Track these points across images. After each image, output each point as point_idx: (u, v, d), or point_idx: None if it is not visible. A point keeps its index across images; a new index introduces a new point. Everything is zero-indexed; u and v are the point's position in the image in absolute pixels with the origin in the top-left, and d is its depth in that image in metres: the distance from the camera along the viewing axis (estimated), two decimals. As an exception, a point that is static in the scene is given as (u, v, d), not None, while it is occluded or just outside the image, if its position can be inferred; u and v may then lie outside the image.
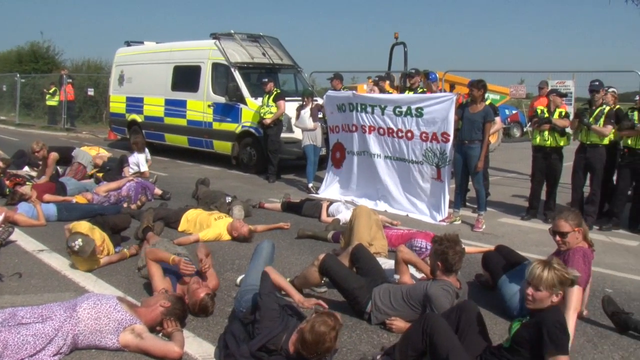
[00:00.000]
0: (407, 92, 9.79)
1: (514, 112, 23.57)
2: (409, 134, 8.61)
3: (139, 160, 10.30)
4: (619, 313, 4.58)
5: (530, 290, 3.50)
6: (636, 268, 6.36)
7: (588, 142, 7.96)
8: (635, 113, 7.87)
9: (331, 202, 8.50)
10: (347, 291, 4.61)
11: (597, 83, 7.97)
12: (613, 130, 7.96)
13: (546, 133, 8.21)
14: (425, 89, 9.84)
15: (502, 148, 18.00)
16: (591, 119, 7.83)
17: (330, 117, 10.21)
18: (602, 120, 7.79)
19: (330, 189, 10.12)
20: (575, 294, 4.09)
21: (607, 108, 7.84)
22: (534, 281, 3.50)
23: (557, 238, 4.52)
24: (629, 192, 8.28)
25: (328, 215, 8.04)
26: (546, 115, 8.25)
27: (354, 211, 6.22)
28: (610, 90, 8.65)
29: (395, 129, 8.79)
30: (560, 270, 3.53)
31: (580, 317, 4.60)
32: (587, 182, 8.20)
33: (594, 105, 7.95)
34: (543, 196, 8.63)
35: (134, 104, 15.14)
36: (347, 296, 4.64)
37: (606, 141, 7.95)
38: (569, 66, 51.70)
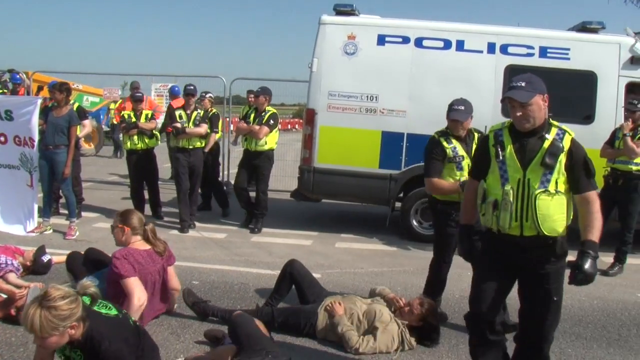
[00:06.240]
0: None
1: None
2: (2, 138, 7.82)
3: None
4: (198, 302, 4.96)
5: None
6: (221, 258, 6.97)
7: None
8: None
9: None
10: None
11: (192, 87, 8.36)
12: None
13: (135, 137, 8.44)
14: (4, 90, 9.03)
15: (104, 151, 17.75)
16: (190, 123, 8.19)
17: None
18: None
19: None
20: (132, 284, 4.31)
21: (202, 112, 8.37)
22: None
23: None
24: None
25: None
26: (133, 120, 8.44)
27: None
28: (208, 95, 9.57)
29: None
30: (58, 303, 2.85)
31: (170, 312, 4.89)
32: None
33: (188, 109, 8.29)
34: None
35: None
36: None
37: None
38: (171, 70, 53.85)
